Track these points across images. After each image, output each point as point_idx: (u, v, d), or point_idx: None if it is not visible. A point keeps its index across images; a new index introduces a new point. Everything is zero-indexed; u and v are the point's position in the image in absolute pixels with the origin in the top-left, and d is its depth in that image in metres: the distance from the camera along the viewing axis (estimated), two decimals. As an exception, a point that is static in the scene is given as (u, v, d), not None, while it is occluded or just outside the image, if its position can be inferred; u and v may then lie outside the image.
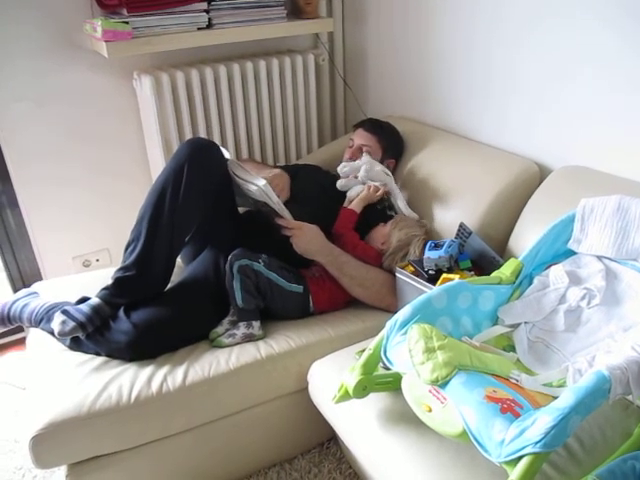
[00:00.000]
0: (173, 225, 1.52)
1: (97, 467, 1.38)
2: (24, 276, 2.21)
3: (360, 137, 1.94)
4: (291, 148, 2.37)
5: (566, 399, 0.88)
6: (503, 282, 1.28)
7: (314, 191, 1.88)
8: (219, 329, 1.54)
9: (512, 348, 1.23)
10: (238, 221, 1.75)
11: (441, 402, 0.98)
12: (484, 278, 1.29)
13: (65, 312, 1.45)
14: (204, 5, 1.93)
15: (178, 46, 1.94)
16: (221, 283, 1.58)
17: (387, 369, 1.22)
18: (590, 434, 1.11)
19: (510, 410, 0.92)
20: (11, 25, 1.88)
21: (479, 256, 1.51)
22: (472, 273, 1.45)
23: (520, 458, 0.86)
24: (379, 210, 1.80)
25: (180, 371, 1.42)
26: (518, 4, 1.66)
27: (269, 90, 2.22)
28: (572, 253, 1.36)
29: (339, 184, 1.86)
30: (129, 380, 1.39)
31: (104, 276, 1.61)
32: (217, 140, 2.16)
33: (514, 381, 1.03)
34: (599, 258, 1.31)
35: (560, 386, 1.08)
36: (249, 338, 1.53)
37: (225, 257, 1.58)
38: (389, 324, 1.15)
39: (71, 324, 1.43)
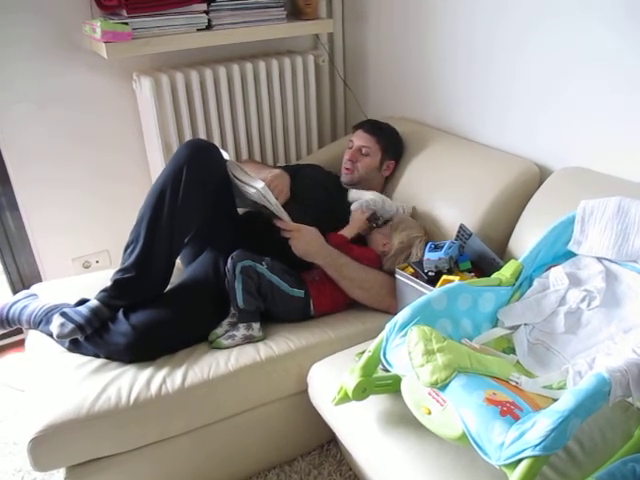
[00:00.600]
0: (172, 226, 1.51)
1: (96, 469, 1.38)
2: (24, 278, 2.21)
3: (360, 138, 1.93)
4: (291, 149, 2.37)
5: (566, 402, 0.88)
6: (503, 284, 1.27)
7: (315, 191, 1.88)
8: (218, 330, 1.54)
9: (512, 350, 1.22)
10: (238, 222, 1.75)
11: (441, 405, 0.97)
12: (484, 280, 1.29)
13: (64, 314, 1.45)
14: (204, 6, 1.93)
15: (178, 47, 1.94)
16: (221, 284, 1.58)
17: (387, 371, 1.21)
18: (590, 436, 1.10)
19: (510, 413, 0.91)
20: (11, 27, 1.88)
21: (479, 257, 1.51)
22: (472, 275, 1.45)
23: (520, 461, 0.86)
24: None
25: (179, 373, 1.42)
26: (519, 4, 1.66)
27: (269, 91, 2.22)
28: (572, 255, 1.35)
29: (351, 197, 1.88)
30: (128, 382, 1.38)
31: (104, 277, 1.60)
32: (217, 141, 2.16)
33: (514, 383, 1.03)
34: (599, 260, 1.31)
35: (560, 388, 1.08)
36: (249, 339, 1.53)
37: (225, 258, 1.58)
38: (389, 326, 1.14)
39: (70, 326, 1.43)
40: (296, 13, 2.20)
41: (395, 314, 1.16)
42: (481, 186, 1.70)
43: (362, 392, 1.19)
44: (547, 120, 1.68)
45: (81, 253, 2.27)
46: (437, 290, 1.19)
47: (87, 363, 1.45)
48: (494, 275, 1.30)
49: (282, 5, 2.08)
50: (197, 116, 2.10)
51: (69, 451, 1.32)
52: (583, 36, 1.51)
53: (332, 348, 1.52)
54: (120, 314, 1.48)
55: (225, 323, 1.56)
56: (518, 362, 1.19)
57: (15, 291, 2.19)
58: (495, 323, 1.26)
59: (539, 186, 1.62)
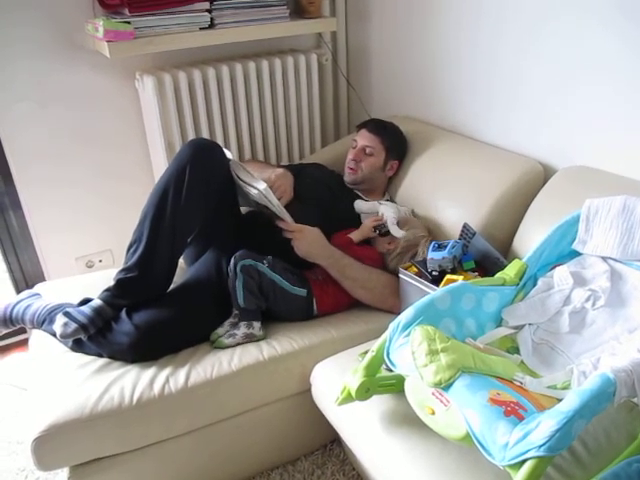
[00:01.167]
0: (175, 226, 1.51)
1: (99, 469, 1.38)
2: (27, 277, 2.21)
3: (363, 138, 1.93)
4: (294, 148, 2.36)
5: (570, 402, 0.87)
6: (507, 283, 1.27)
7: (318, 190, 1.87)
8: (220, 330, 1.54)
9: (516, 350, 1.22)
10: (241, 222, 1.74)
11: (444, 405, 0.97)
12: (488, 279, 1.28)
13: (67, 314, 1.45)
14: (206, 5, 1.92)
15: (180, 46, 1.94)
16: (223, 284, 1.57)
17: (390, 371, 1.21)
18: (595, 437, 1.10)
19: (514, 413, 0.91)
20: (13, 26, 1.88)
21: (483, 257, 1.50)
22: (476, 274, 1.45)
23: (524, 461, 0.85)
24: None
25: (182, 372, 1.42)
26: (523, 4, 1.65)
27: (272, 90, 2.22)
28: (577, 254, 1.35)
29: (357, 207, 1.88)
30: (131, 382, 1.38)
31: (107, 277, 1.60)
32: (220, 141, 2.15)
33: (518, 383, 1.02)
34: (604, 259, 1.30)
35: (564, 388, 1.07)
36: (249, 338, 1.52)
37: (228, 258, 1.57)
38: (392, 326, 1.14)
39: (73, 326, 1.43)
40: (299, 12, 2.19)
41: (398, 314, 1.15)
42: (485, 185, 1.69)
43: (365, 392, 1.18)
44: (551, 119, 1.67)
45: (84, 252, 2.27)
46: (441, 290, 1.19)
47: (90, 363, 1.45)
48: (498, 274, 1.29)
49: (285, 3, 2.07)
50: (200, 115, 2.10)
51: (72, 450, 1.32)
52: (587, 37, 1.50)
53: (335, 348, 1.51)
54: (123, 314, 1.48)
55: (227, 323, 1.55)
56: (522, 362, 1.18)
57: (18, 290, 2.20)
58: (499, 323, 1.26)
59: (543, 185, 1.61)
